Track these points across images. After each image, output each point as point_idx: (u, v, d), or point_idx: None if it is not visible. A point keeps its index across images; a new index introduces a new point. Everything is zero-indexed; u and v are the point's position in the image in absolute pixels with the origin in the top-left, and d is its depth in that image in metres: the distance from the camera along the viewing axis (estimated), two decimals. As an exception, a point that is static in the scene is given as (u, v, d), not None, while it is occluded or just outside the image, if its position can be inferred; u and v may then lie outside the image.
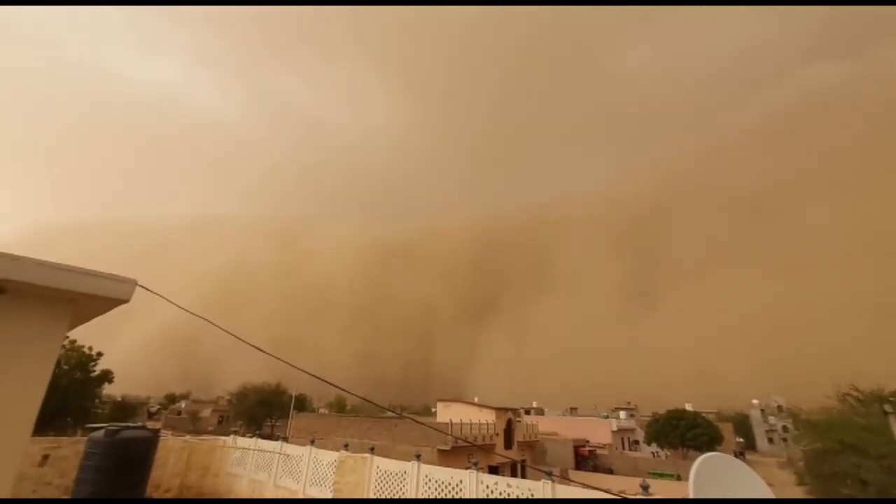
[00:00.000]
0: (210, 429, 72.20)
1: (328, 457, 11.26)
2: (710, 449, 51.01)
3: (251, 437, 14.91)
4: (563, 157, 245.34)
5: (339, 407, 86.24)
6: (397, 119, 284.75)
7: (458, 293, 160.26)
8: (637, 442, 62.53)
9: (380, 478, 10.05)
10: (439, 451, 33.85)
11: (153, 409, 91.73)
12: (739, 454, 62.77)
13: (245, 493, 13.10)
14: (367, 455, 10.46)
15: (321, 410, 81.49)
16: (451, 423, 35.03)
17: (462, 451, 35.58)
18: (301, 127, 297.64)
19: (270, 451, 12.90)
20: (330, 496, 10.23)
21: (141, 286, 3.85)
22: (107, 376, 39.79)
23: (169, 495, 13.07)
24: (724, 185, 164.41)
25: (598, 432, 57.56)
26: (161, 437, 13.13)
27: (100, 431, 10.97)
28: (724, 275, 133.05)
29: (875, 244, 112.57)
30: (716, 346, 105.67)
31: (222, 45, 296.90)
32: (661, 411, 55.29)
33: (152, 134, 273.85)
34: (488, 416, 40.41)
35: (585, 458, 50.38)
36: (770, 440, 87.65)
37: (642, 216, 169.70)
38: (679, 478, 42.25)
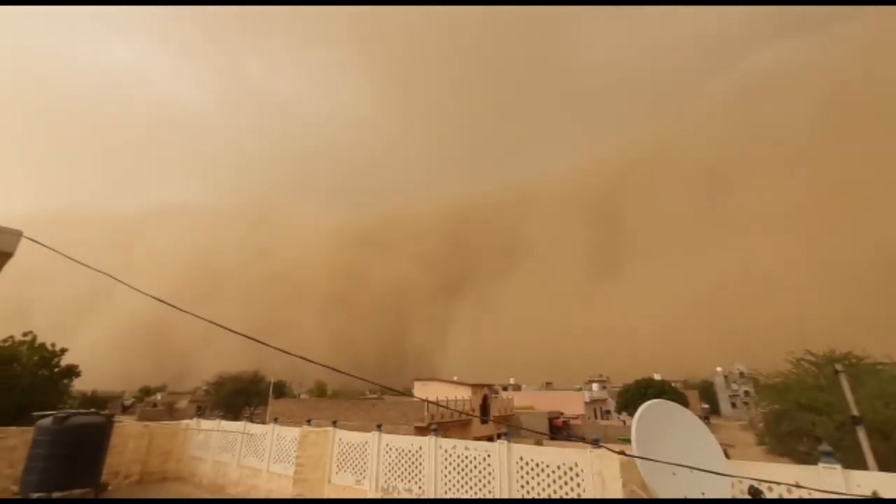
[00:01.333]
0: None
1: (291, 433, 11.17)
2: (678, 414, 53.40)
3: (220, 420, 14.69)
4: (532, 137, 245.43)
5: (319, 392, 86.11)
6: (366, 103, 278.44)
7: (432, 274, 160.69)
8: (609, 412, 64.78)
9: (342, 450, 10.04)
10: (416, 428, 34.29)
11: (127, 403, 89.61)
12: (704, 419, 65.84)
13: (209, 475, 12.91)
14: (329, 428, 10.41)
15: (302, 396, 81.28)
16: (427, 401, 35.45)
17: (440, 427, 36.19)
18: (269, 112, 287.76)
19: (234, 432, 12.71)
20: (292, 472, 10.17)
21: (30, 239, 3.58)
22: (72, 370, 38.54)
23: (128, 482, 12.76)
24: (686, 160, 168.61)
25: (572, 404, 59.29)
26: (117, 423, 12.76)
27: (48, 419, 10.56)
28: (686, 247, 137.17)
29: (831, 215, 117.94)
30: (681, 316, 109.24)
31: (187, 28, 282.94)
32: (631, 382, 57.29)
33: (115, 122, 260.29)
34: (464, 393, 41.09)
35: (560, 429, 52.01)
36: (733, 405, 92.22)
37: (608, 192, 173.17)
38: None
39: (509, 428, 45.46)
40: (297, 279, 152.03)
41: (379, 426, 9.60)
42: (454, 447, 8.39)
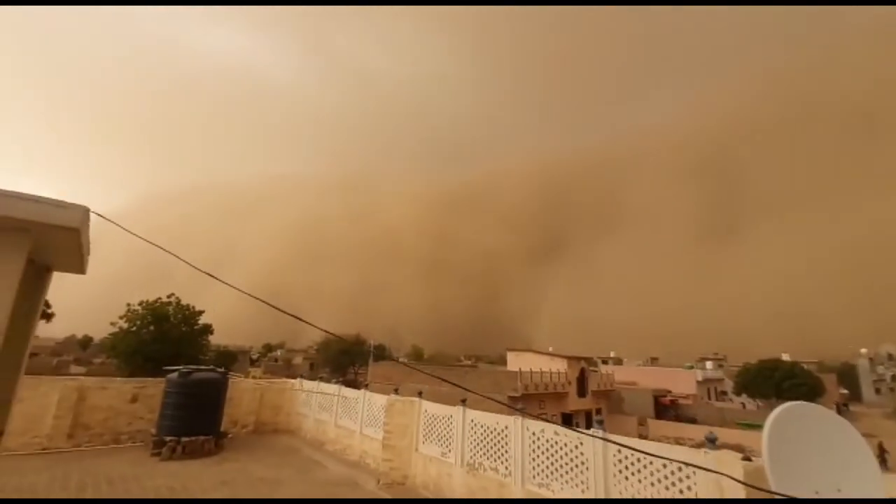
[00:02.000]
0: (302, 374, 79.42)
1: (380, 400, 11.41)
2: (810, 400, 46.80)
3: (319, 381, 15.68)
4: (631, 90, 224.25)
5: (416, 356, 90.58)
6: (456, 66, 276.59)
7: (525, 237, 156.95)
8: (725, 393, 59.16)
9: (427, 421, 9.96)
10: (509, 397, 34.18)
11: (254, 357, 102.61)
12: (843, 406, 57.35)
13: (311, 431, 13.87)
14: (416, 399, 10.38)
15: (401, 360, 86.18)
16: (521, 372, 35.05)
17: (533, 398, 35.68)
18: (362, 85, 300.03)
19: (330, 394, 13.40)
20: (380, 436, 10.37)
21: (96, 213, 3.53)
22: (208, 329, 44.52)
23: (245, 431, 14.20)
24: (823, 99, 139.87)
25: (682, 382, 54.97)
26: (231, 379, 14.16)
27: (175, 373, 11.97)
28: (822, 203, 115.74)
29: None
30: (815, 288, 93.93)
31: (278, 9, 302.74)
32: (753, 362, 51.39)
33: (221, 101, 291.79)
34: (560, 365, 39.92)
35: (666, 408, 48.62)
36: (877, 391, 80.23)
37: (721, 143, 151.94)
38: (771, 429, 39.43)
39: (607, 402, 43.60)
40: (393, 243, 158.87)
41: (463, 401, 9.27)
42: (542, 430, 7.75)
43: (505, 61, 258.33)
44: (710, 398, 57.01)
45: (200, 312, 43.13)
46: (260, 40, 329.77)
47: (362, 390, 12.36)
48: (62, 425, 11.40)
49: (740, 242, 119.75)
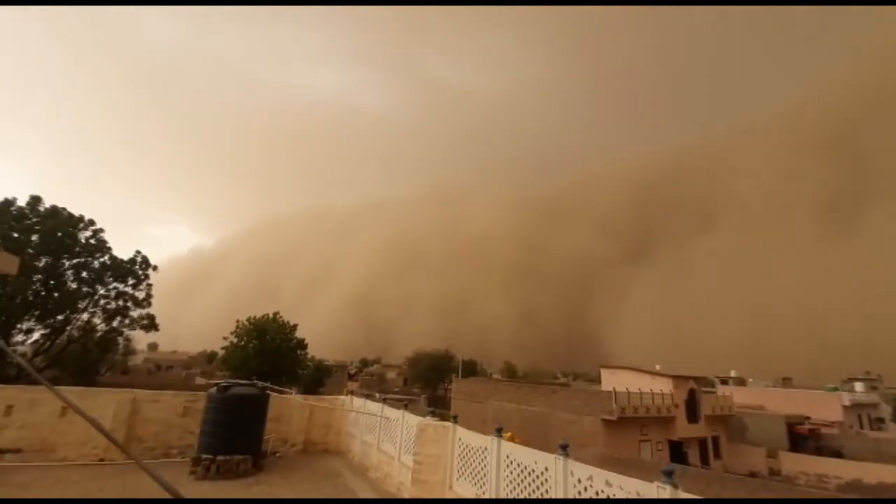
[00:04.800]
0: (396, 389, 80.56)
1: (415, 423, 9.95)
2: None
3: (366, 399, 14.69)
4: (730, 79, 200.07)
5: (509, 373, 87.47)
6: (547, 74, 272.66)
7: (623, 245, 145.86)
8: (882, 420, 48.18)
9: (462, 452, 8.25)
10: (604, 421, 30.64)
11: (352, 372, 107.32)
12: None
13: (358, 453, 12.80)
14: (449, 424, 8.72)
15: (494, 376, 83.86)
16: (615, 392, 31.28)
17: (633, 422, 31.66)
18: (454, 101, 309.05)
19: (373, 415, 12.24)
20: (410, 466, 8.89)
21: None
22: (301, 343, 46.78)
23: (294, 450, 13.58)
24: None
25: (823, 407, 45.76)
26: (281, 396, 13.67)
27: (214, 388, 11.66)
28: None
29: None
30: None
31: (367, 44, 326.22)
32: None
33: (331, 134, 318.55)
34: (664, 385, 35.15)
35: (804, 438, 40.51)
36: None
37: (839, 122, 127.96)
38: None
39: (724, 429, 37.51)
40: (484, 255, 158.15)
41: (499, 430, 7.47)
42: (590, 478, 5.70)
43: (595, 65, 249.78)
44: (861, 427, 46.77)
45: (295, 327, 45.59)
46: (361, 74, 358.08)
47: (402, 410, 11.00)
48: (117, 437, 11.62)
49: (872, 235, 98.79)
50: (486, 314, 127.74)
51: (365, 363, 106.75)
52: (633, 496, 5.16)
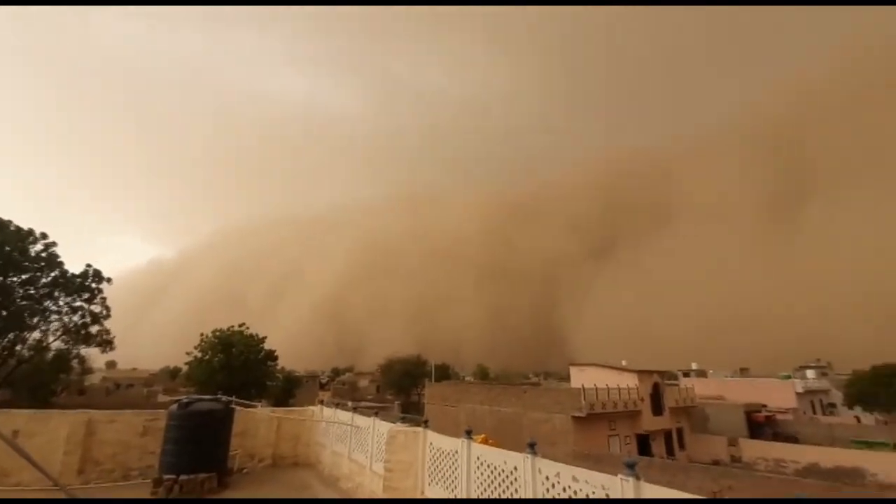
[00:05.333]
0: (369, 397, 79.58)
1: (386, 429, 9.90)
2: (950, 413, 39.01)
3: (336, 408, 14.48)
4: (691, 84, 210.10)
5: (482, 375, 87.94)
6: (515, 78, 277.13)
7: (588, 245, 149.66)
8: (833, 405, 51.17)
9: (434, 457, 8.26)
10: (574, 418, 31.23)
11: (324, 381, 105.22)
12: None
13: (329, 464, 12.60)
14: (419, 429, 8.72)
15: (467, 379, 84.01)
16: (584, 389, 31.97)
17: (602, 418, 32.40)
18: (422, 104, 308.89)
19: (343, 424, 12.09)
20: (381, 475, 8.83)
21: None
22: (271, 355, 45.54)
23: (262, 465, 13.22)
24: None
25: (778, 395, 48.23)
26: (246, 410, 13.29)
27: (175, 404, 11.24)
28: None
29: None
30: None
31: (333, 47, 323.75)
32: (866, 368, 43.96)
33: (295, 138, 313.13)
34: (629, 380, 36.16)
35: (762, 425, 42.56)
36: None
37: (783, 121, 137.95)
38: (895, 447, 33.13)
39: (688, 420, 38.90)
40: (454, 255, 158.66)
41: (468, 432, 7.53)
42: (558, 475, 5.84)
43: (562, 69, 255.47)
44: (814, 412, 49.53)
45: (263, 339, 44.35)
46: (328, 77, 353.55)
47: (372, 418, 10.91)
48: (71, 461, 11.01)
49: (817, 226, 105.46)
50: (457, 316, 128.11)
51: (337, 372, 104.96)
52: (598, 490, 5.32)
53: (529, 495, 6.05)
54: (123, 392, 66.10)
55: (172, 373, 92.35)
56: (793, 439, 38.47)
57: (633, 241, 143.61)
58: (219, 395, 12.02)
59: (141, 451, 11.81)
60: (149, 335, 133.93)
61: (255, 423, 13.44)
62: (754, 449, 35.40)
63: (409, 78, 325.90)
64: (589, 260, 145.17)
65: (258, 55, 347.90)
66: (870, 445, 33.62)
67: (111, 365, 78.86)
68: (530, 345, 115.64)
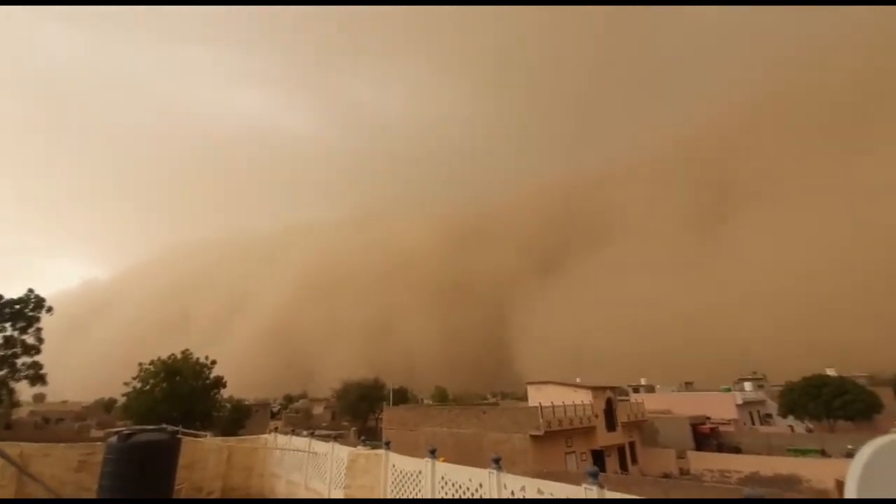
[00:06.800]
0: (324, 424, 76.66)
1: (345, 455, 9.65)
2: (866, 418, 42.41)
3: (291, 436, 13.93)
4: (631, 107, 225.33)
5: (440, 398, 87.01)
6: (464, 103, 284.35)
7: (538, 265, 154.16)
8: (770, 415, 54.45)
9: (397, 479, 8.14)
10: (532, 437, 31.52)
11: (275, 409, 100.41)
12: (906, 422, 52.00)
13: (284, 494, 12.04)
14: (381, 452, 8.58)
15: (426, 401, 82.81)
16: (541, 407, 32.42)
17: (559, 435, 32.87)
18: (376, 127, 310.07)
19: (300, 451, 11.65)
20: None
21: None
22: (219, 381, 43.08)
23: (212, 497, 12.45)
24: (809, 99, 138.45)
25: (720, 407, 50.87)
26: (194, 440, 12.52)
27: (114, 436, 10.42)
28: (832, 189, 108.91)
29: None
30: (840, 284, 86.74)
31: (283, 66, 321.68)
32: (797, 379, 47.32)
33: (247, 158, 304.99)
34: (584, 397, 37.07)
35: (707, 437, 44.64)
36: (951, 403, 72.20)
37: (705, 142, 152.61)
38: (823, 453, 35.54)
39: (640, 434, 40.08)
40: (407, 277, 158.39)
41: (432, 451, 7.50)
42: (523, 489, 5.94)
43: (511, 97, 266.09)
44: (753, 423, 52.51)
45: (213, 364, 41.95)
46: (275, 97, 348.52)
47: (331, 443, 10.60)
48: (5, 494, 9.99)
49: (738, 240, 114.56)
50: (412, 337, 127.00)
51: (290, 399, 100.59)
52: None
53: (495, 512, 6.10)
54: (54, 427, 60.79)
55: (107, 405, 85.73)
56: (735, 449, 40.45)
57: (578, 259, 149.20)
58: (162, 426, 11.24)
59: (76, 488, 10.81)
60: (81, 364, 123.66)
61: (204, 453, 12.65)
62: (701, 461, 36.91)
63: (361, 99, 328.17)
64: (537, 278, 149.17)
65: (208, 71, 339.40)
66: (803, 453, 35.96)
67: (39, 398, 72.12)
68: (484, 364, 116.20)
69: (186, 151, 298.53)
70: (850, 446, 34.70)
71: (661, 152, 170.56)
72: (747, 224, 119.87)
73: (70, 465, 10.89)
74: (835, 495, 26.33)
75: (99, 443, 11.64)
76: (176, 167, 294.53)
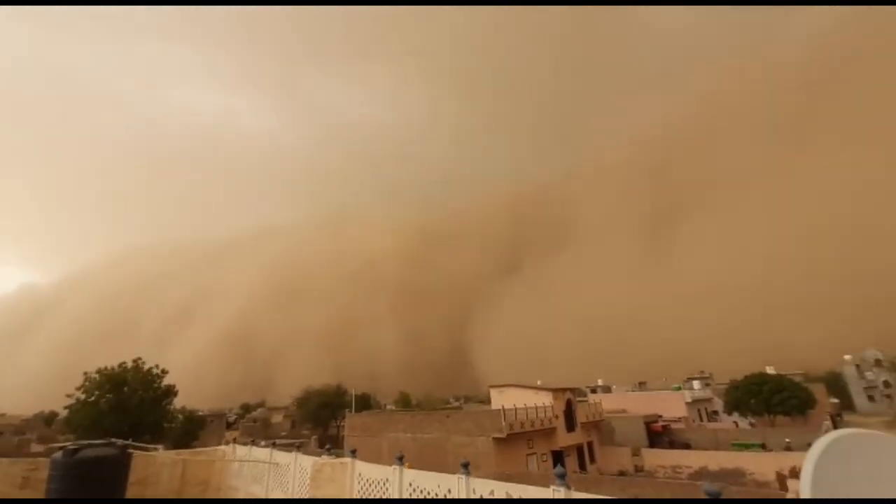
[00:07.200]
0: (283, 433, 74.31)
1: (309, 464, 9.49)
2: (801, 413, 45.63)
3: (251, 446, 13.53)
4: (591, 114, 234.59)
5: (404, 403, 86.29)
6: (428, 108, 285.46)
7: (501, 270, 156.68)
8: (716, 412, 57.50)
9: (363, 487, 8.10)
10: (495, 439, 31.86)
11: (231, 419, 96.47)
12: (836, 416, 56.36)
13: (243, 509, 11.70)
14: (347, 460, 8.51)
15: (389, 407, 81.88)
16: (504, 410, 32.86)
17: (520, 438, 33.36)
18: (338, 129, 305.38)
19: (260, 462, 11.35)
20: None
21: None
22: (171, 391, 40.95)
23: (164, 515, 11.91)
24: (744, 110, 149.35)
25: (671, 406, 53.21)
26: (147, 454, 11.95)
27: (60, 451, 9.83)
28: (772, 198, 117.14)
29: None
30: (779, 285, 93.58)
31: (246, 68, 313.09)
32: (740, 378, 50.32)
33: (204, 158, 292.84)
34: (545, 399, 37.84)
35: (659, 434, 46.58)
36: (871, 398, 78.92)
37: (657, 148, 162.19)
38: (764, 447, 37.88)
39: (597, 433, 41.36)
40: (369, 279, 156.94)
41: (400, 458, 7.53)
42: (492, 492, 6.08)
43: (474, 100, 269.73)
44: (701, 420, 55.23)
45: (164, 373, 39.89)
46: (236, 98, 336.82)
47: (294, 453, 10.39)
48: None
49: (686, 243, 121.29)
50: (375, 341, 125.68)
51: (247, 408, 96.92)
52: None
53: (464, 517, 6.19)
54: (-10, 441, 56.00)
55: (48, 418, 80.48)
56: (686, 445, 42.40)
57: (537, 262, 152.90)
58: (111, 440, 10.67)
59: (16, 508, 10.11)
60: (18, 375, 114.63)
61: (157, 468, 12.07)
62: (654, 457, 38.45)
63: (323, 101, 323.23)
64: (498, 281, 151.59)
65: (167, 69, 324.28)
66: (746, 447, 38.18)
67: (-28, 411, 66.65)
68: (447, 367, 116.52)
69: (141, 152, 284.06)
70: (787, 440, 37.21)
71: (619, 157, 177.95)
72: (696, 229, 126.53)
73: (14, 482, 10.21)
74: (776, 487, 28.00)
75: (43, 458, 10.96)
76: (129, 168, 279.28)
